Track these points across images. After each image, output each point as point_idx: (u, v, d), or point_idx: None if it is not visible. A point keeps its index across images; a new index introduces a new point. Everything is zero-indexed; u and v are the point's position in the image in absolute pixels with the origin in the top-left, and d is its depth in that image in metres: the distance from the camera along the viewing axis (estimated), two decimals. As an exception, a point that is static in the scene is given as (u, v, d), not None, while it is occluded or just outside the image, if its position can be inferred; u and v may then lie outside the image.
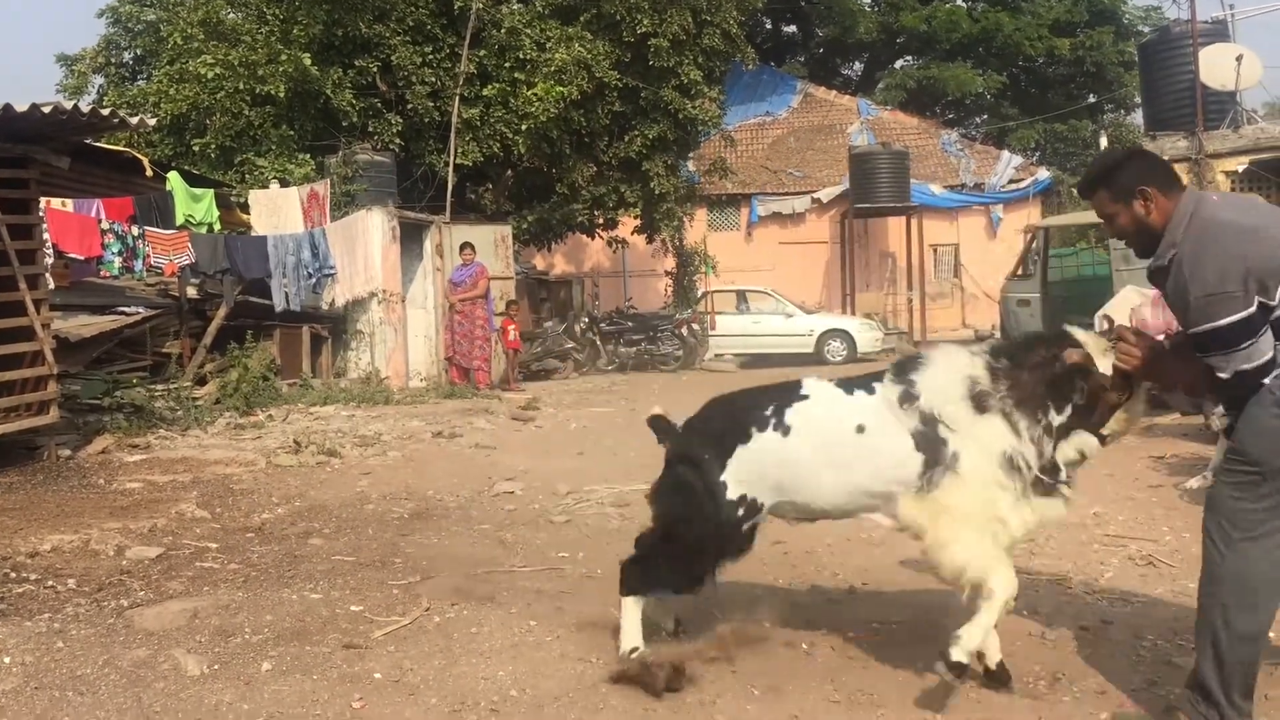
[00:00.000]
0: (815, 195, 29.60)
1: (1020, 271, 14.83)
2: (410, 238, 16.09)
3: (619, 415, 11.86)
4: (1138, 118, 27.26)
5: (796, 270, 28.69)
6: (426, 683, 3.91)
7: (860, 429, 3.79)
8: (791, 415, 3.87)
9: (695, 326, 21.42)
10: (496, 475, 8.06)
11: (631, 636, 4.04)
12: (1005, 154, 30.89)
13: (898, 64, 38.99)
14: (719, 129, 23.90)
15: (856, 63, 41.11)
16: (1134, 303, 10.76)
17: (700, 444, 4.02)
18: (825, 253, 29.60)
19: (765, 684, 3.88)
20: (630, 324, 21.03)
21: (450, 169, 18.29)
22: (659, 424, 4.26)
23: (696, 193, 24.92)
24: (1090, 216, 17.94)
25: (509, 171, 20.92)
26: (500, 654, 4.21)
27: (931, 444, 3.68)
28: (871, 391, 3.86)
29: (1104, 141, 20.60)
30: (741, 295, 23.83)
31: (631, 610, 4.08)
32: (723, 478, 3.89)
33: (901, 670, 3.97)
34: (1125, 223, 3.47)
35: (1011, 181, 29.39)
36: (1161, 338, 9.74)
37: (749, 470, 3.88)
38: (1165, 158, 17.86)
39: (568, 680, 3.92)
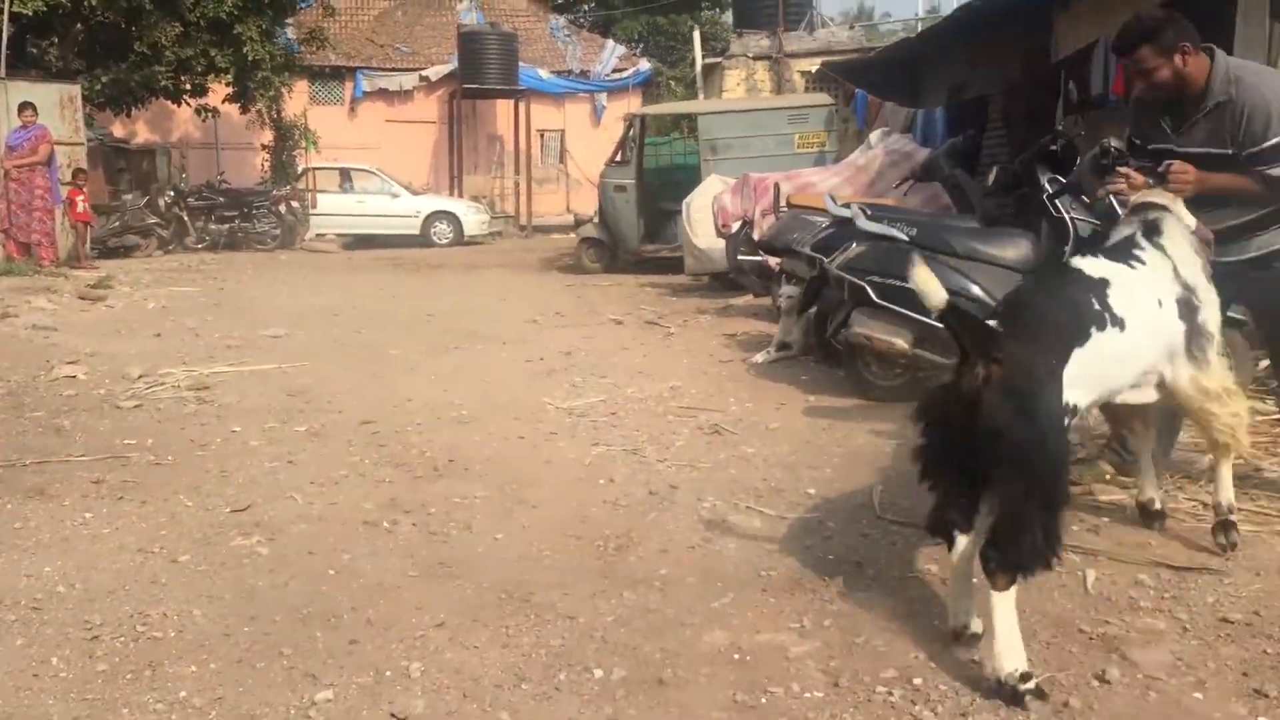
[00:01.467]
0: (423, 73, 28.85)
1: (618, 158, 15.30)
2: (-46, 93, 14.07)
3: (205, 295, 11.12)
4: (731, 16, 28.66)
5: (403, 149, 27.99)
6: (-43, 584, 3.53)
7: (1160, 304, 3.57)
8: (1116, 304, 3.34)
9: (295, 204, 20.48)
10: (56, 358, 7.35)
11: (1015, 653, 2.91)
12: (610, 43, 31.50)
13: (509, -57, 38.47)
14: (318, -6, 22.64)
15: (466, -62, 40.13)
16: (716, 190, 11.43)
17: (1044, 352, 3.14)
18: (433, 133, 29.06)
19: (343, 562, 3.83)
20: (222, 199, 19.74)
21: (4, 18, 16.09)
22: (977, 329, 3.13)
23: (296, 62, 23.53)
24: (684, 107, 18.85)
25: (79, 25, 18.73)
26: (48, 548, 3.87)
27: (1191, 311, 3.64)
28: (1141, 263, 3.62)
29: (696, 37, 21.50)
30: (345, 173, 23.01)
31: (1008, 610, 2.94)
32: (1063, 391, 3.14)
33: (481, 543, 4.06)
34: (1166, 76, 4.01)
35: (615, 71, 30.08)
36: (737, 225, 10.46)
37: (1082, 374, 3.21)
38: (749, 55, 19.05)
39: (124, 573, 3.67)
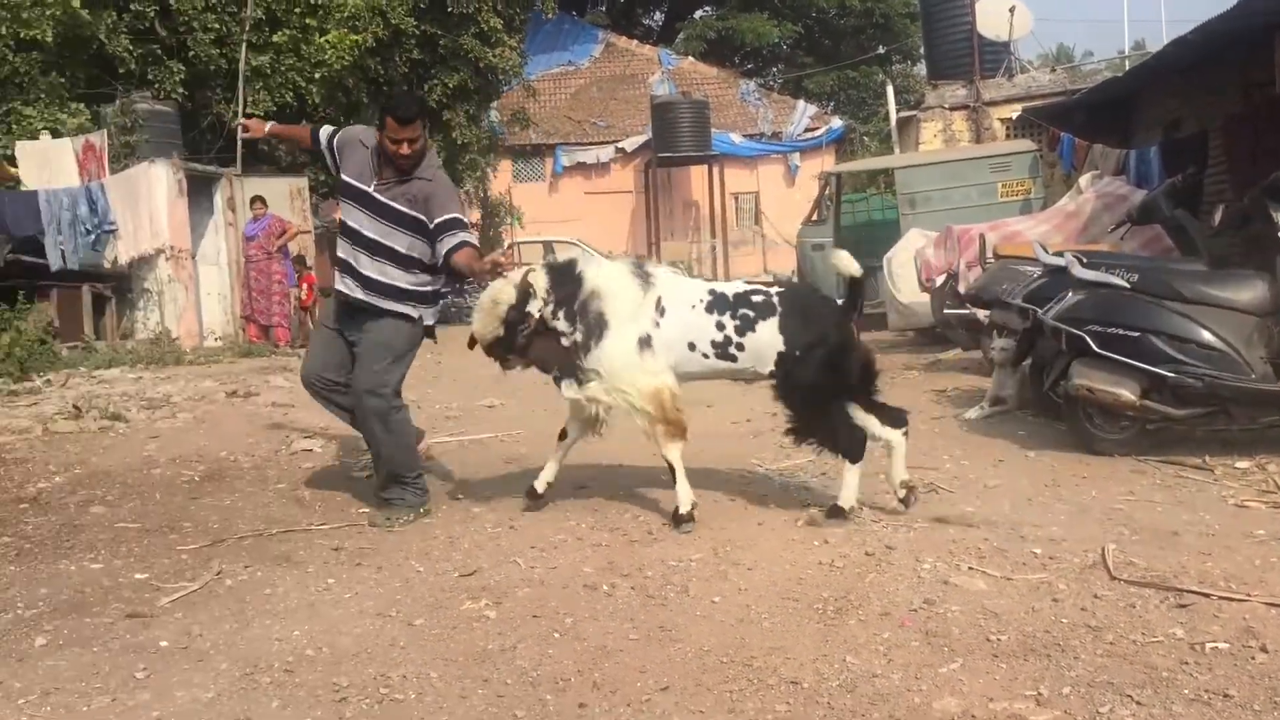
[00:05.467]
0: (619, 145, 29.70)
1: (815, 217, 15.29)
2: (199, 191, 15.37)
3: (423, 368, 11.61)
4: (924, 68, 28.38)
5: (602, 220, 28.80)
6: (216, 647, 3.78)
7: None
8: None
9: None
10: (295, 433, 7.82)
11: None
12: (801, 103, 31.68)
13: (697, 14, 39.36)
14: (521, 79, 23.66)
15: (657, 12, 41.30)
16: (919, 244, 11.26)
17: None
18: (630, 202, 29.80)
19: (566, 625, 3.91)
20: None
21: (240, 120, 17.46)
22: None
23: (499, 143, 24.64)
24: (880, 163, 18.71)
25: (304, 122, 20.16)
26: (295, 613, 4.11)
27: None
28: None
29: (890, 91, 21.40)
30: (549, 246, 23.79)
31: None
32: None
33: (698, 606, 4.07)
34: (421, 147, 5.24)
35: (807, 130, 30.18)
36: (942, 278, 10.29)
37: None
38: (945, 106, 18.77)
39: (366, 636, 3.86)
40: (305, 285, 15.94)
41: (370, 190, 5.31)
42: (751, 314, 5.06)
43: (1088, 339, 5.90)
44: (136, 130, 16.41)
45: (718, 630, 3.82)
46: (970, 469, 6.05)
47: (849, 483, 5.17)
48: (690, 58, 33.59)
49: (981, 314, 8.64)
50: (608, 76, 32.06)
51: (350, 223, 5.42)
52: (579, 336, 5.18)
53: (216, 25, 17.65)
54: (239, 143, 17.11)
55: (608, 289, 5.16)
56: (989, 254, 9.26)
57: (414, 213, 5.26)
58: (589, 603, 4.17)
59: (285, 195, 16.49)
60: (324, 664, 3.62)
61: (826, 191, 15.29)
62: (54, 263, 13.29)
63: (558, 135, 30.01)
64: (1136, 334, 5.83)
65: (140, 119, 16.51)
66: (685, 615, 3.99)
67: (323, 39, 17.65)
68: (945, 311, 10.30)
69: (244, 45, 17.51)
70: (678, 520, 5.14)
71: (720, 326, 5.09)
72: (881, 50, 36.84)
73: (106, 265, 14.28)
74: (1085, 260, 6.35)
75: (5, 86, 16.28)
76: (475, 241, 5.36)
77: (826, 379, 5.01)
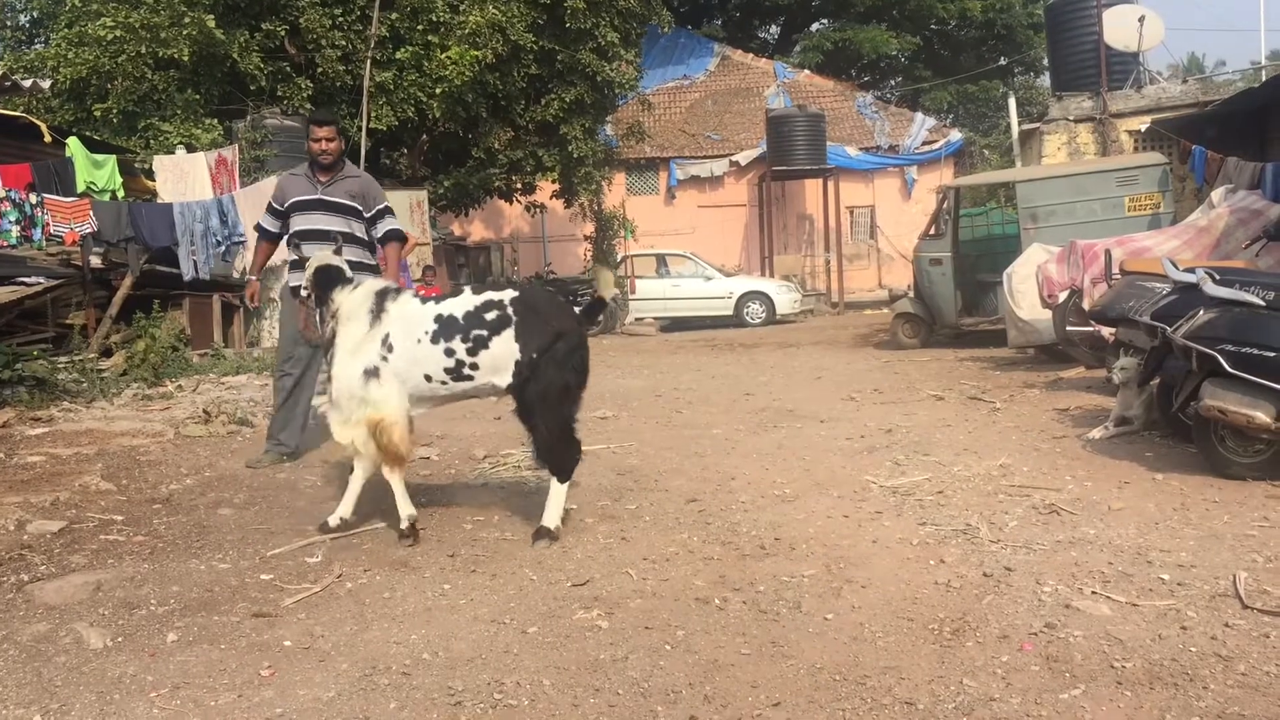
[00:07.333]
0: (733, 158, 29.70)
1: (933, 231, 15.03)
2: (323, 204, 15.79)
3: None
4: (1047, 80, 27.72)
5: (715, 233, 28.82)
6: (337, 648, 3.88)
7: None
8: None
9: (615, 291, 21.41)
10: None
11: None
12: (919, 116, 31.26)
13: (814, 26, 39.16)
14: (636, 92, 23.85)
15: (773, 25, 41.20)
16: (1040, 259, 11.01)
17: None
18: (744, 215, 29.75)
19: (678, 638, 3.91)
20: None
21: (363, 134, 17.97)
22: None
23: (615, 156, 24.85)
24: (1001, 176, 18.34)
25: (424, 136, 20.64)
26: (413, 618, 4.19)
27: None
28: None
29: (1012, 103, 20.99)
30: (661, 259, 23.88)
31: None
32: None
33: (811, 622, 4.04)
34: (336, 147, 6.70)
35: (925, 143, 29.75)
36: (1065, 294, 10.05)
37: None
38: (1070, 118, 18.31)
39: (481, 642, 3.92)
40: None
41: (318, 195, 6.69)
42: (485, 332, 5.07)
43: (1220, 358, 5.69)
44: (266, 144, 17.00)
45: (831, 648, 3.79)
46: (1093, 491, 5.88)
47: (555, 500, 5.22)
48: (806, 70, 33.45)
49: (1106, 331, 8.41)
50: (723, 90, 32.10)
51: (306, 226, 6.69)
52: (326, 345, 5.46)
53: (343, 43, 18.19)
54: (362, 157, 17.59)
55: (344, 315, 5.31)
56: (1115, 270, 9.00)
57: (353, 203, 6.70)
58: (701, 616, 4.16)
59: (405, 208, 16.87)
60: (440, 668, 3.69)
61: (945, 205, 15.00)
62: (186, 273, 13.82)
63: (672, 149, 30.15)
64: (1273, 354, 5.60)
65: (270, 134, 17.11)
66: (798, 631, 3.96)
67: (444, 55, 18.04)
68: (1068, 328, 10.05)
69: (368, 62, 18.02)
70: (401, 534, 5.28)
71: (450, 353, 5.10)
72: (1003, 62, 36.14)
73: (235, 275, 14.79)
74: (1218, 277, 6.13)
75: (144, 103, 17.05)
76: (404, 233, 6.73)
77: (564, 379, 5.07)
